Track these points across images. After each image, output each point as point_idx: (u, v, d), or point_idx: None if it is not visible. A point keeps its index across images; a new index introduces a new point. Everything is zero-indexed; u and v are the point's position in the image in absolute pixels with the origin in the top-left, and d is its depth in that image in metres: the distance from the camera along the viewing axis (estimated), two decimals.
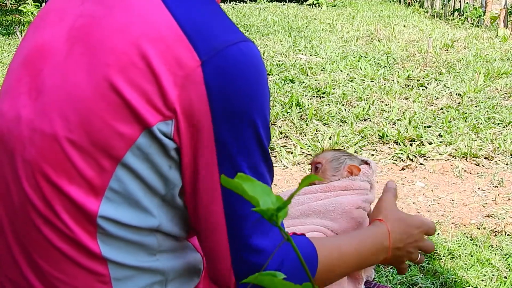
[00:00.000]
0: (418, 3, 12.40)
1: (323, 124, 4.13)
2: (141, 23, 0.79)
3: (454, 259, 2.38)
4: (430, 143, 3.75)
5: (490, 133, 3.90)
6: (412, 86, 5.13)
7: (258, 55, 0.83)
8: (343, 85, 5.08)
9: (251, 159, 0.82)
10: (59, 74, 0.83)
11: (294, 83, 5.20)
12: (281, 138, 3.90)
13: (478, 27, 8.97)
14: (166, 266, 0.89)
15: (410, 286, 2.20)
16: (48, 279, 0.85)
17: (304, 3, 12.65)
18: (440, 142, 3.77)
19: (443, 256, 2.39)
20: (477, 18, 9.42)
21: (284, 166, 3.46)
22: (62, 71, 0.83)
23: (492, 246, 2.49)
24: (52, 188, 0.81)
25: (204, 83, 0.77)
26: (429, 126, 4.06)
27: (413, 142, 3.76)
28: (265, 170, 0.85)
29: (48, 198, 0.82)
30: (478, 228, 2.68)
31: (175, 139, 0.80)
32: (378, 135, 3.90)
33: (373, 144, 3.80)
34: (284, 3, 12.86)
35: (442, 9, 10.96)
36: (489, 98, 4.71)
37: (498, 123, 4.16)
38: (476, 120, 4.17)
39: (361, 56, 6.26)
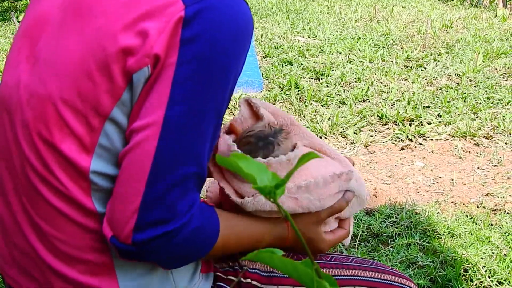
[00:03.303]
0: None
1: (322, 105, 4.12)
2: None
3: (453, 237, 2.38)
4: (429, 123, 3.75)
5: (489, 113, 3.89)
6: (411, 67, 5.12)
7: (245, 14, 0.83)
8: (341, 67, 5.06)
9: (201, 103, 0.80)
10: (54, 40, 0.87)
11: (292, 65, 5.18)
12: None
13: (477, 7, 8.91)
14: None
15: (410, 264, 2.20)
16: (48, 239, 0.87)
17: None
18: (439, 122, 3.76)
19: (443, 234, 2.39)
20: None
21: None
22: (56, 37, 0.86)
23: (491, 225, 2.49)
24: (47, 147, 0.84)
25: (182, 24, 0.79)
26: (428, 107, 4.04)
27: (412, 122, 3.75)
28: (212, 124, 0.82)
29: (44, 157, 0.85)
30: (478, 207, 2.68)
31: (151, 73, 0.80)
32: (377, 116, 3.89)
33: (372, 124, 3.79)
34: None
35: None
36: (488, 78, 4.70)
37: (497, 103, 4.15)
38: (475, 100, 4.16)
39: (360, 38, 6.23)
